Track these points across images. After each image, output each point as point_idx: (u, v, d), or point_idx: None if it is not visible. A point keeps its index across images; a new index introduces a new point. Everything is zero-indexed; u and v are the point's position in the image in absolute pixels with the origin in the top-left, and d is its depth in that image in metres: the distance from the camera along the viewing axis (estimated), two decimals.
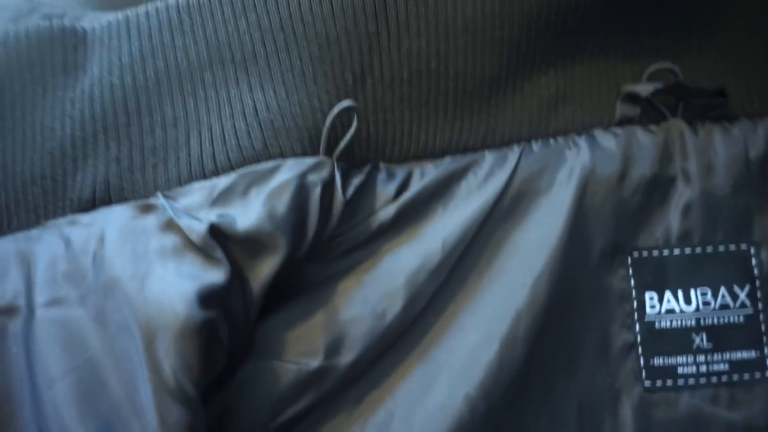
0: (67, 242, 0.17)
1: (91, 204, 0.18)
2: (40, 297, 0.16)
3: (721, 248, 0.21)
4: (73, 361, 0.15)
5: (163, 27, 0.19)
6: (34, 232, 0.18)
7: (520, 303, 0.18)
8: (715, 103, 0.21)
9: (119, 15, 0.19)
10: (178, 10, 0.19)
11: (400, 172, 0.20)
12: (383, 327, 0.18)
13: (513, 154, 0.20)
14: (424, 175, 0.20)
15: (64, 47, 0.19)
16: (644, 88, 0.21)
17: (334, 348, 0.17)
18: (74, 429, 0.15)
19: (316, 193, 0.17)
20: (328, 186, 0.18)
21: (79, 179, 0.18)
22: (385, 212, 0.19)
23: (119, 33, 0.19)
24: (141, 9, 0.19)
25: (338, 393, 0.17)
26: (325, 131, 0.18)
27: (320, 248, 0.18)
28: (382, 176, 0.20)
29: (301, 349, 0.17)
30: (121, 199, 0.18)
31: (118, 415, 0.15)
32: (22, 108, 0.19)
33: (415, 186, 0.19)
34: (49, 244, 0.17)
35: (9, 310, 0.16)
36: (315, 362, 0.17)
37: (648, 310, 0.20)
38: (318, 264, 0.19)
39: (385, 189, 0.19)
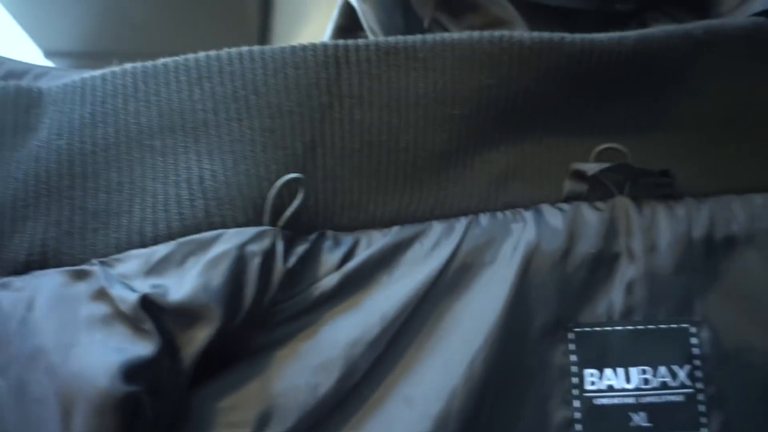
0: None
1: (25, 267, 0.18)
2: None
3: (663, 326, 0.21)
4: None
5: (117, 92, 0.19)
6: None
7: (456, 379, 0.18)
8: (662, 182, 0.22)
9: (77, 77, 0.19)
10: (134, 76, 0.19)
11: (347, 240, 0.20)
12: (316, 400, 0.18)
13: (460, 225, 0.21)
14: (371, 243, 0.20)
15: (16, 108, 0.19)
16: (591, 167, 0.21)
17: (264, 420, 0.17)
18: None
19: (255, 262, 0.18)
20: (268, 255, 0.18)
21: (16, 241, 0.18)
22: (328, 281, 0.19)
23: (74, 96, 0.19)
24: (98, 72, 0.19)
25: None
26: (269, 201, 0.18)
27: (261, 315, 0.18)
28: (328, 244, 0.20)
29: (232, 419, 0.17)
30: (59, 263, 0.18)
31: None
32: None
33: (361, 255, 0.20)
34: None
35: None
36: None
37: (588, 386, 0.20)
38: (259, 331, 0.19)
39: (330, 257, 0.20)
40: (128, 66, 0.19)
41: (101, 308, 0.16)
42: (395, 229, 0.20)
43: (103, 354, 0.15)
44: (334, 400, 0.18)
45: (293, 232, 0.19)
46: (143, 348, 0.16)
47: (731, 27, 0.22)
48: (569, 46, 0.20)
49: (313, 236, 0.19)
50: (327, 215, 0.20)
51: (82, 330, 0.16)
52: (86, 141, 0.19)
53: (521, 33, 0.20)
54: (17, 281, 0.18)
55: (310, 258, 0.19)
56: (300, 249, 0.19)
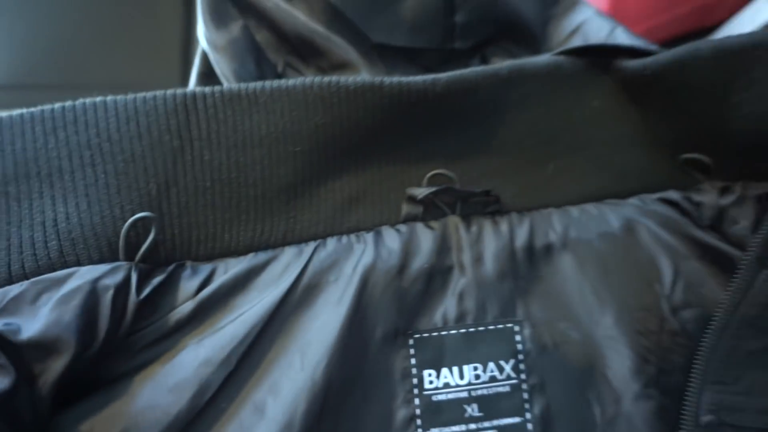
0: None
1: None
2: None
3: (491, 327, 0.24)
4: None
5: None
6: None
7: (299, 389, 0.21)
8: (488, 201, 0.25)
9: None
10: None
11: (205, 269, 0.22)
12: (170, 417, 0.19)
13: (308, 249, 0.23)
14: (227, 270, 0.22)
15: None
16: (422, 191, 0.24)
17: None
18: None
19: (107, 296, 0.19)
20: (121, 288, 0.20)
21: None
22: (184, 308, 0.21)
23: None
24: None
25: None
26: (122, 239, 0.20)
27: (118, 344, 0.20)
28: (186, 273, 0.22)
29: None
30: None
31: None
32: None
33: (216, 281, 0.22)
34: None
35: None
36: None
37: (426, 385, 0.23)
38: (119, 358, 0.20)
39: (188, 285, 0.22)
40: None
41: None
42: (250, 255, 0.23)
43: None
44: (188, 416, 0.20)
45: (151, 266, 0.21)
46: (3, 380, 0.17)
47: (533, 65, 0.25)
48: (388, 88, 0.23)
49: (170, 267, 0.21)
50: (184, 248, 0.22)
51: None
52: None
53: (347, 77, 0.22)
54: None
55: (167, 287, 0.21)
56: (156, 280, 0.21)
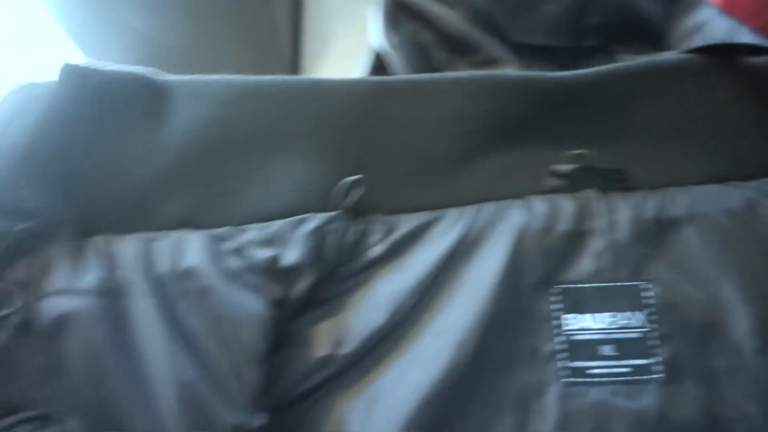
0: (148, 251, 0.24)
1: (174, 226, 0.25)
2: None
3: (623, 284, 0.28)
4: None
5: (231, 101, 0.26)
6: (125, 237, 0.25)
7: (471, 318, 0.26)
8: (620, 178, 0.30)
9: (200, 79, 0.27)
10: (248, 87, 0.27)
11: (389, 221, 0.28)
12: (372, 330, 0.25)
13: (469, 210, 0.28)
14: (407, 224, 0.28)
15: (147, 95, 0.26)
16: (566, 167, 0.29)
17: (337, 342, 0.25)
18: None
19: (333, 236, 0.25)
20: (340, 233, 0.26)
21: (166, 208, 0.25)
22: (377, 249, 0.27)
23: (203, 95, 0.26)
24: (218, 78, 0.27)
25: (340, 375, 0.25)
26: (339, 194, 0.26)
27: (333, 274, 0.26)
28: (377, 225, 0.27)
29: (316, 342, 0.25)
30: (196, 226, 0.25)
31: (223, 378, 0.22)
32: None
33: (399, 231, 0.27)
34: (135, 248, 0.24)
35: (116, 292, 0.24)
36: (324, 351, 0.25)
37: (567, 327, 0.28)
38: (332, 285, 0.26)
39: (378, 233, 0.27)
40: (241, 78, 0.27)
41: (241, 262, 0.24)
42: (423, 213, 0.28)
43: (250, 292, 0.23)
44: (384, 332, 0.25)
45: (353, 215, 0.27)
46: (274, 289, 0.23)
47: (663, 62, 0.29)
48: (542, 82, 0.27)
49: (366, 218, 0.27)
50: (375, 203, 0.28)
51: (234, 276, 0.23)
52: (215, 136, 0.26)
53: (509, 71, 0.27)
54: (168, 235, 0.25)
55: (365, 234, 0.27)
56: (358, 228, 0.27)
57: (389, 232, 0.27)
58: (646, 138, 0.30)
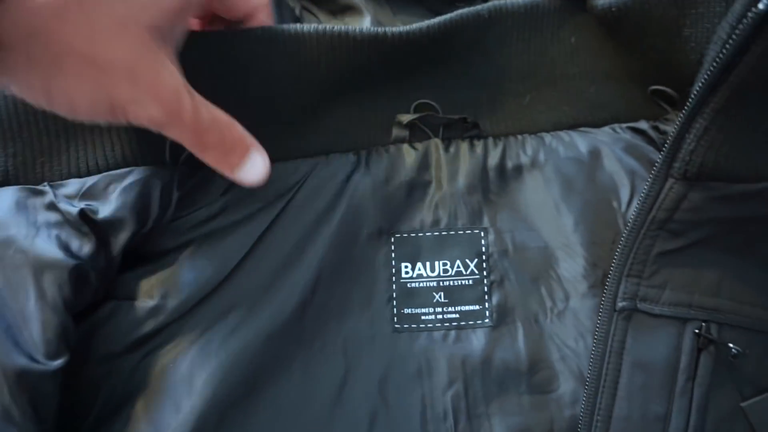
0: None
1: None
2: None
3: (460, 232, 0.29)
4: None
5: None
6: None
7: (303, 271, 0.27)
8: (467, 126, 0.30)
9: None
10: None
11: None
12: (199, 282, 0.26)
13: (311, 163, 0.29)
14: None
15: None
16: (408, 117, 0.29)
17: (165, 294, 0.26)
18: None
19: (156, 190, 0.26)
20: (167, 185, 0.26)
21: None
22: (213, 203, 0.27)
23: None
24: None
25: (170, 324, 0.26)
26: (167, 148, 0.27)
27: (165, 228, 0.27)
28: (216, 178, 0.28)
29: (146, 294, 0.26)
30: (16, 183, 0.25)
31: (15, 323, 0.23)
32: None
33: (237, 185, 0.28)
34: None
35: None
36: (151, 303, 0.26)
37: (403, 275, 0.29)
38: (167, 239, 0.27)
39: (214, 187, 0.28)
40: None
41: (54, 215, 0.25)
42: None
43: (59, 243, 0.24)
44: (212, 285, 0.26)
45: (189, 169, 0.27)
46: (85, 243, 0.24)
47: (512, 5, 0.29)
48: (390, 37, 0.27)
49: (202, 172, 0.28)
50: None
51: (42, 228, 0.24)
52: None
53: (355, 28, 0.27)
54: None
55: (201, 187, 0.28)
56: (192, 181, 0.27)
57: (229, 186, 0.28)
58: (496, 86, 0.30)
